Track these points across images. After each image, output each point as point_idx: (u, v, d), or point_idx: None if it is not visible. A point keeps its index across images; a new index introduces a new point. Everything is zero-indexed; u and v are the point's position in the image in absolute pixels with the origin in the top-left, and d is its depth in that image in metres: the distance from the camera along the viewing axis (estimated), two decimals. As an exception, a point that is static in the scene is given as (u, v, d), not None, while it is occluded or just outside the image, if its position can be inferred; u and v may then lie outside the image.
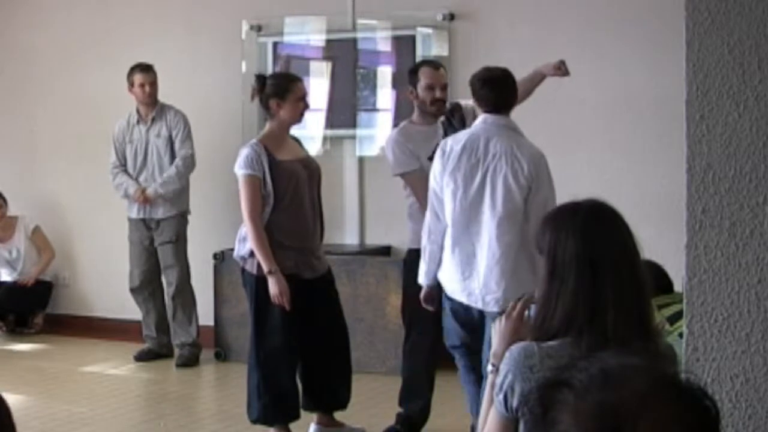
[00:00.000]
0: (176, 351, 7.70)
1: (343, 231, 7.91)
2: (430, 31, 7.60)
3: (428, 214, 5.11)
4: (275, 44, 8.10)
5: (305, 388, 5.74)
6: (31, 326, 8.70)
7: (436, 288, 5.17)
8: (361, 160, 7.85)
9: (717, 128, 2.54)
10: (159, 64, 7.74)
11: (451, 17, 7.49)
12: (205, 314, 7.72)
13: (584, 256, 2.46)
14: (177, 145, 7.63)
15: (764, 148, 2.52)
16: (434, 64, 5.89)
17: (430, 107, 5.68)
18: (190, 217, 7.80)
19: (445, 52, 7.35)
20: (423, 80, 5.67)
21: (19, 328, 8.68)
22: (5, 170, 8.91)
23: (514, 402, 2.42)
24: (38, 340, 8.49)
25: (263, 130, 5.74)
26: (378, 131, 7.86)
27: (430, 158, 5.62)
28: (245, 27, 8.08)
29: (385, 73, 8.03)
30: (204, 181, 7.84)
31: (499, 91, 5.07)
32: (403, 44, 7.80)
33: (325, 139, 7.99)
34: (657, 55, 6.73)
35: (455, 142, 5.07)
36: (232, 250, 7.83)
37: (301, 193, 5.59)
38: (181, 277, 7.68)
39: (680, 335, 2.84)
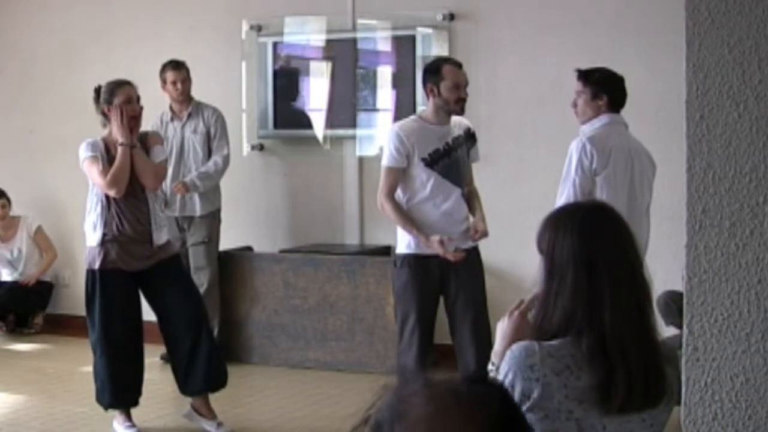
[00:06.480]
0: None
1: (343, 231, 7.91)
2: (430, 31, 7.60)
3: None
4: (275, 44, 8.10)
5: (174, 374, 6.01)
6: (32, 326, 8.70)
7: None
8: (361, 160, 7.85)
9: (717, 128, 2.54)
10: (159, 64, 7.73)
11: (451, 17, 7.49)
12: (205, 314, 7.72)
13: (582, 255, 2.46)
14: (215, 143, 7.57)
15: (764, 148, 2.52)
16: (456, 62, 5.78)
17: (454, 106, 5.62)
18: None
19: (445, 52, 7.34)
20: (449, 79, 5.57)
21: (19, 328, 8.69)
22: (5, 170, 8.91)
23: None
24: (38, 340, 8.50)
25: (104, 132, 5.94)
26: (378, 131, 7.85)
27: (425, 159, 5.57)
28: (245, 27, 8.08)
29: (385, 73, 8.03)
30: (204, 181, 7.82)
31: (624, 91, 5.51)
32: (403, 44, 7.80)
33: (325, 139, 7.99)
34: (657, 55, 6.73)
35: (600, 140, 5.31)
36: (233, 250, 7.87)
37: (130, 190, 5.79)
38: (212, 278, 7.57)
39: None
